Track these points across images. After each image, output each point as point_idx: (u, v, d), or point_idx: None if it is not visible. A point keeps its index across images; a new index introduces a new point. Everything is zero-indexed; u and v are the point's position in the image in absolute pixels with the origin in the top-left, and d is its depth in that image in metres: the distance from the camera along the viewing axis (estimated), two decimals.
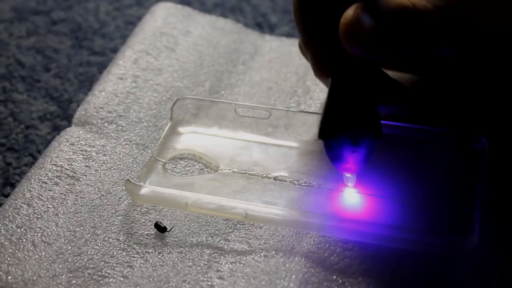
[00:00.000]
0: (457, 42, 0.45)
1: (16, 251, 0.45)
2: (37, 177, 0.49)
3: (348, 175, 0.46)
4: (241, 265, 0.44)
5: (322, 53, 0.47)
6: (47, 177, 0.49)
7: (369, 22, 0.42)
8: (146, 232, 0.46)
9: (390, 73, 0.53)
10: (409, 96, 0.48)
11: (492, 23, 0.45)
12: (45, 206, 0.47)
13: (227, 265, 0.44)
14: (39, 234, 0.46)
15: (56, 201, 0.48)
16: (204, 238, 0.46)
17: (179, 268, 0.44)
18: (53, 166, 0.50)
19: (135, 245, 0.45)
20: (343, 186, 0.47)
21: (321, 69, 0.47)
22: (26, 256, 0.44)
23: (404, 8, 0.42)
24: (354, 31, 0.42)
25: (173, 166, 0.50)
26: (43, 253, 0.45)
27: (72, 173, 0.50)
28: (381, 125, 0.44)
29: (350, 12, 0.42)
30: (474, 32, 0.44)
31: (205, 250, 0.45)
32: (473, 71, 0.50)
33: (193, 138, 0.52)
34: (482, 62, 0.48)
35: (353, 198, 0.47)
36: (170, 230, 0.46)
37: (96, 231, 0.46)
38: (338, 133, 0.44)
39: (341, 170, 0.46)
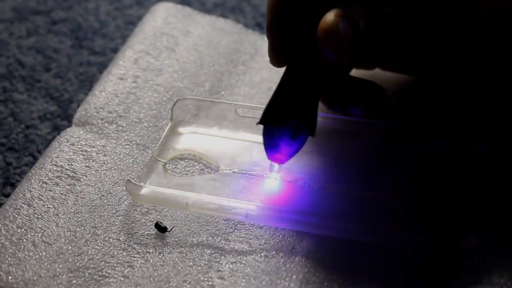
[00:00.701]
0: (436, 48, 0.46)
1: (17, 251, 0.45)
2: (37, 177, 0.49)
3: (274, 164, 0.48)
4: (242, 265, 0.44)
5: (281, 43, 0.47)
6: (47, 177, 0.49)
7: (347, 29, 0.43)
8: (146, 232, 0.46)
9: (389, 74, 0.53)
10: (382, 95, 0.49)
11: (476, 28, 0.45)
12: (46, 206, 0.47)
13: (227, 265, 0.44)
14: (39, 234, 0.46)
15: (57, 201, 0.48)
16: (204, 238, 0.46)
17: (179, 268, 0.44)
18: (54, 166, 0.50)
19: (135, 245, 0.45)
20: (346, 187, 0.47)
21: (277, 58, 0.48)
22: (26, 256, 0.44)
23: (380, 17, 0.43)
24: (333, 37, 0.43)
25: (173, 167, 0.50)
26: (44, 253, 0.45)
27: (72, 173, 0.50)
28: (316, 124, 0.46)
29: (330, 17, 0.43)
30: (457, 37, 0.45)
31: (205, 250, 0.45)
32: (471, 72, 0.50)
33: (193, 138, 0.52)
34: (474, 64, 0.49)
35: (352, 198, 0.47)
36: (170, 230, 0.46)
37: (97, 231, 0.46)
38: (280, 123, 0.45)
39: (271, 158, 0.47)
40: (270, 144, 0.47)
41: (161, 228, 0.46)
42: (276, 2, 0.47)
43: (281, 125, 0.46)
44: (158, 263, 0.44)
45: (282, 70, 0.58)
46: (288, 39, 0.47)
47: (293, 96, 0.46)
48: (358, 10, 0.43)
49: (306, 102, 0.46)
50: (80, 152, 0.51)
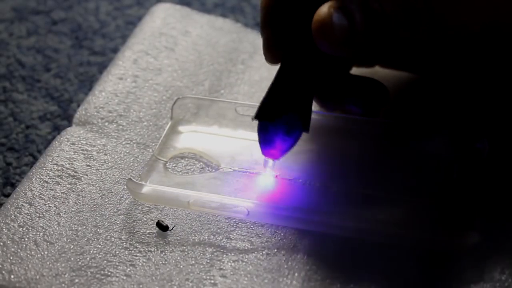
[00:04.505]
0: (427, 43, 0.46)
1: (19, 250, 0.45)
2: (38, 176, 0.49)
3: (269, 160, 0.48)
4: (244, 263, 0.44)
5: (274, 39, 0.48)
6: (48, 177, 0.49)
7: (342, 21, 0.43)
8: (148, 231, 0.46)
9: (389, 71, 0.53)
10: (382, 92, 0.49)
11: (463, 24, 0.45)
12: (47, 205, 0.47)
13: (229, 264, 0.44)
14: (41, 233, 0.46)
15: (58, 200, 0.48)
16: (206, 237, 0.46)
17: (181, 266, 0.44)
18: (54, 165, 0.50)
19: (137, 244, 0.46)
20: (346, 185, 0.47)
21: (271, 54, 0.49)
22: (28, 255, 0.44)
23: (374, 10, 0.43)
24: (327, 29, 0.43)
25: (174, 165, 0.50)
26: (46, 252, 0.45)
27: (73, 173, 0.50)
28: (310, 120, 0.46)
29: (324, 9, 0.44)
30: (445, 33, 0.45)
31: (207, 248, 0.45)
32: (470, 71, 0.51)
33: (193, 137, 0.52)
34: (473, 63, 0.49)
35: (353, 196, 0.47)
36: (172, 229, 0.46)
37: (98, 230, 0.46)
38: (275, 118, 0.46)
39: (265, 154, 0.47)
40: (265, 140, 0.47)
41: (162, 227, 0.46)
42: None
43: (276, 120, 0.46)
44: (160, 262, 0.45)
45: None
46: (282, 35, 0.47)
47: (288, 92, 0.46)
48: (353, 2, 0.43)
49: (301, 98, 0.46)
50: (81, 151, 0.51)
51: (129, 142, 0.52)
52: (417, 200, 0.46)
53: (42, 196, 0.48)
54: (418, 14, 0.44)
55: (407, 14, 0.44)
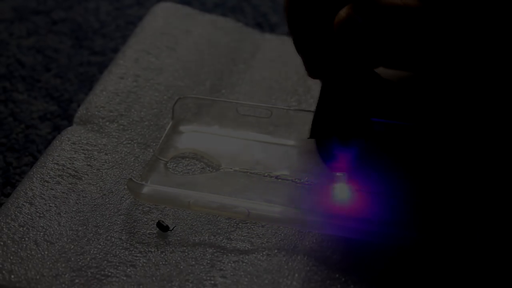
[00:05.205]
0: (448, 41, 0.45)
1: (19, 250, 0.45)
2: (39, 176, 0.49)
3: (339, 174, 0.46)
4: (244, 264, 0.44)
5: (313, 55, 0.47)
6: (49, 176, 0.49)
7: (362, 20, 0.43)
8: (148, 231, 0.46)
9: (391, 71, 0.53)
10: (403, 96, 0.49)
11: (485, 23, 0.45)
12: (47, 205, 0.47)
13: (229, 264, 0.44)
14: (41, 233, 0.46)
15: (58, 200, 0.48)
16: (206, 237, 0.46)
17: (182, 267, 0.44)
18: (55, 165, 0.50)
19: (137, 244, 0.45)
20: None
21: (314, 70, 0.48)
22: (29, 255, 0.44)
23: (395, 6, 0.43)
24: (348, 30, 0.43)
25: (174, 165, 0.50)
26: (46, 252, 0.45)
27: (74, 172, 0.50)
28: (372, 125, 0.45)
29: (343, 11, 0.43)
30: (466, 31, 0.45)
31: (207, 249, 0.45)
32: (471, 71, 0.50)
33: (194, 137, 0.52)
34: (478, 61, 0.49)
35: (354, 196, 0.47)
36: (172, 229, 0.46)
37: (99, 230, 0.46)
38: (329, 133, 0.45)
39: (332, 169, 0.46)
40: (326, 156, 0.46)
41: (163, 227, 0.46)
42: (291, 17, 0.47)
43: (329, 135, 0.45)
44: (160, 262, 0.44)
45: (283, 68, 0.58)
46: (319, 49, 0.47)
47: (337, 103, 0.45)
48: (372, 1, 0.43)
49: (352, 107, 0.45)
50: (82, 151, 0.51)
51: (130, 142, 0.52)
52: (417, 200, 0.46)
53: (42, 195, 0.48)
54: (442, 8, 0.44)
55: (431, 8, 0.44)
